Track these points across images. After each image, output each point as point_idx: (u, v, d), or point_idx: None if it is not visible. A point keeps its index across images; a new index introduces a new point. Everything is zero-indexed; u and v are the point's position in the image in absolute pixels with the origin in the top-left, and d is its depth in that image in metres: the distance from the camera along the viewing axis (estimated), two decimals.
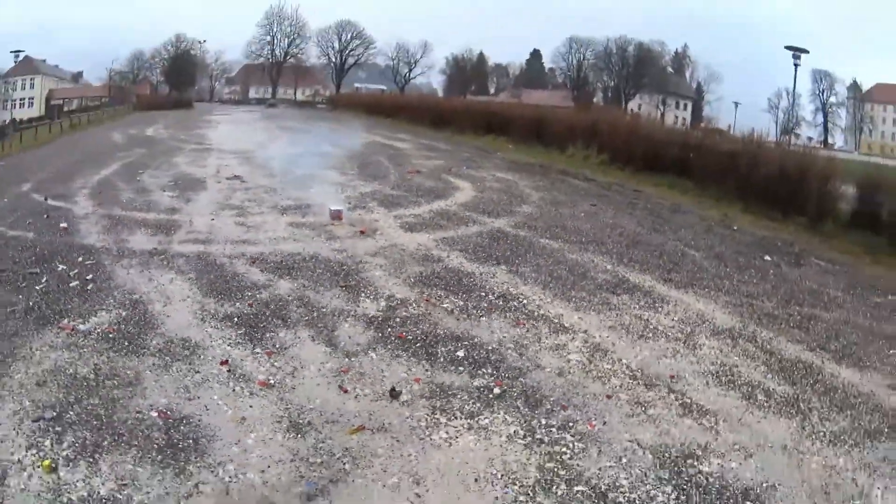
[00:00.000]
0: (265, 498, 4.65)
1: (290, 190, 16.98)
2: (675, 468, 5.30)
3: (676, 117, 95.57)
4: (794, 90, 61.59)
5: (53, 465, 5.04)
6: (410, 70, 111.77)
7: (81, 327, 7.68)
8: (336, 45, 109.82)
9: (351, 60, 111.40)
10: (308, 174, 19.01)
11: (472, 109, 41.72)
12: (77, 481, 4.86)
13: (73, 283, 9.45)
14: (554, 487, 4.89)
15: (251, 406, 5.86)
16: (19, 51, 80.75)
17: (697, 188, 20.44)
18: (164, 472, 4.88)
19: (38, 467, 4.99)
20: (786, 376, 7.40)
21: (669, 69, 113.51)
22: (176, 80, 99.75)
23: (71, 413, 5.69)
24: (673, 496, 4.90)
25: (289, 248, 11.35)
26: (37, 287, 9.24)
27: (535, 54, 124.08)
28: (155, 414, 5.66)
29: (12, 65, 79.58)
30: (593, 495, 4.83)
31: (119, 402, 5.86)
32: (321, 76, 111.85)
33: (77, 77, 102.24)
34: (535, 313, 8.76)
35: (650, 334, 8.30)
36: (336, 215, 13.85)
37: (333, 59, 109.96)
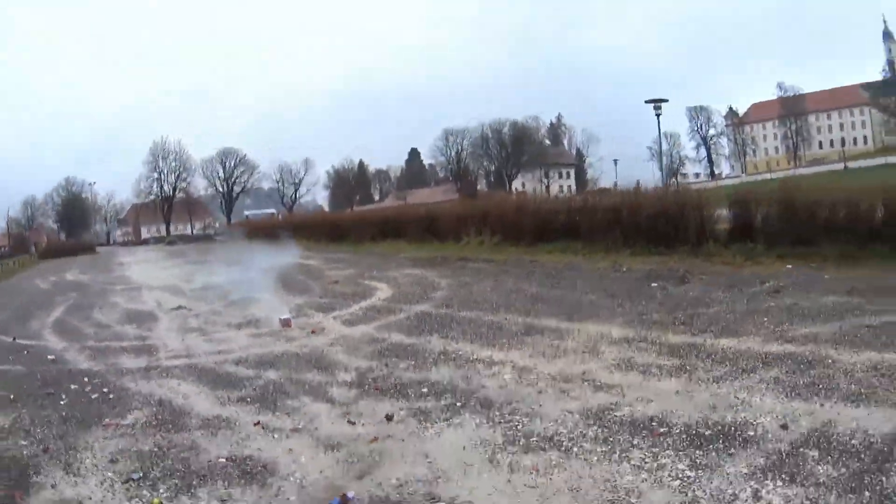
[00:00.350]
0: (332, 484, 6.70)
1: (233, 311, 18.66)
2: (597, 417, 7.72)
3: (561, 186, 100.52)
4: (660, 140, 66.59)
5: (161, 502, 6.76)
6: (296, 190, 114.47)
7: (124, 422, 9.31)
8: (221, 173, 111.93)
9: (237, 188, 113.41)
10: (241, 298, 20.68)
11: (366, 219, 44.51)
12: None
13: (94, 396, 10.91)
14: (516, 441, 7.24)
15: (292, 442, 7.94)
16: None
17: (587, 246, 23.26)
18: (252, 487, 6.84)
19: None
20: (674, 355, 9.99)
21: (547, 141, 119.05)
22: (70, 226, 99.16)
23: (154, 472, 7.43)
24: (599, 430, 7.32)
25: (260, 351, 13.22)
26: (60, 402, 10.68)
27: (414, 153, 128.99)
28: (223, 459, 7.60)
29: None
30: (543, 440, 7.21)
31: (189, 459, 7.72)
32: (211, 208, 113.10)
33: None
34: (470, 358, 11.11)
35: (561, 354, 10.76)
36: (286, 323, 15.62)
37: (220, 189, 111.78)
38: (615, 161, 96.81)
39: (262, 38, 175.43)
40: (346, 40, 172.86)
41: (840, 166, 73.51)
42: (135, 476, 7.40)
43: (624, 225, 22.79)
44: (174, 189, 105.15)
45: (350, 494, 6.35)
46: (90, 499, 6.96)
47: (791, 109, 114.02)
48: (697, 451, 6.59)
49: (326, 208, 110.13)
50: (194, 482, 7.12)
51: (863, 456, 6.08)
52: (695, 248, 19.81)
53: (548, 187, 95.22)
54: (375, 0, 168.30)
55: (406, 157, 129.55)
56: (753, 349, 9.81)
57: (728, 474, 6.06)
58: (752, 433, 6.89)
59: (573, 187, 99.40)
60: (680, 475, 6.17)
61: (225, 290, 23.63)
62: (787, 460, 6.21)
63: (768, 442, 6.65)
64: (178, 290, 26.50)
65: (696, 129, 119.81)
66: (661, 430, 7.21)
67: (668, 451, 6.66)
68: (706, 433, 7.00)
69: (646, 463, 6.48)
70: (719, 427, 7.10)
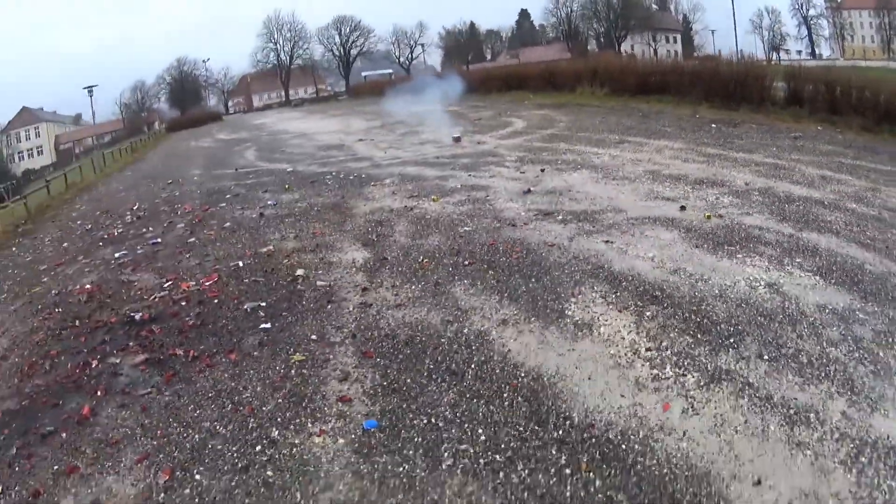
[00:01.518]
0: (520, 189, 14.01)
1: (410, 138, 24.26)
2: (651, 173, 14.89)
3: (668, 51, 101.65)
4: (735, 22, 68.90)
5: (436, 199, 13.75)
6: (412, 51, 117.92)
7: (384, 183, 15.88)
8: (337, 39, 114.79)
9: (354, 52, 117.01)
10: (409, 131, 26.09)
11: (492, 74, 47.51)
12: (449, 203, 13.51)
13: (351, 177, 16.74)
14: (608, 177, 14.61)
15: (493, 180, 15.24)
16: (92, 86, 79.45)
17: (676, 99, 28.50)
18: (479, 192, 14.08)
19: (432, 201, 13.71)
20: (704, 157, 16.50)
21: (654, 6, 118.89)
22: (183, 103, 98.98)
23: (422, 193, 14.42)
24: (650, 176, 14.56)
25: (447, 153, 19.82)
26: (327, 183, 16.36)
27: (524, 14, 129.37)
28: (458, 186, 14.85)
29: (10, 118, 74.25)
30: (621, 178, 14.56)
31: (439, 188, 14.82)
32: (328, 72, 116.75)
33: (77, 119, 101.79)
34: (584, 153, 18.06)
35: (638, 152, 17.66)
36: (457, 140, 21.63)
37: (337, 54, 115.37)
38: (712, 32, 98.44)
39: None
40: None
41: None
42: (413, 194, 14.48)
43: (705, 85, 27.97)
44: (290, 57, 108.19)
45: (532, 188, 13.79)
46: (392, 204, 13.86)
47: (885, 2, 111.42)
48: (697, 185, 13.58)
49: (438, 68, 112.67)
50: (447, 193, 14.31)
51: (782, 199, 12.28)
52: (757, 107, 25.00)
53: (655, 51, 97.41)
54: None
55: (516, 17, 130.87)
56: (755, 159, 15.92)
57: (707, 193, 12.97)
58: (728, 183, 13.69)
59: (679, 52, 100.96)
60: (683, 191, 13.22)
61: (390, 128, 28.46)
62: (740, 193, 12.91)
63: (734, 187, 13.34)
64: (347, 132, 29.84)
65: (797, 7, 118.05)
66: (682, 178, 14.23)
67: (681, 184, 13.73)
68: (704, 180, 13.93)
69: (668, 187, 13.57)
70: (712, 180, 13.91)
